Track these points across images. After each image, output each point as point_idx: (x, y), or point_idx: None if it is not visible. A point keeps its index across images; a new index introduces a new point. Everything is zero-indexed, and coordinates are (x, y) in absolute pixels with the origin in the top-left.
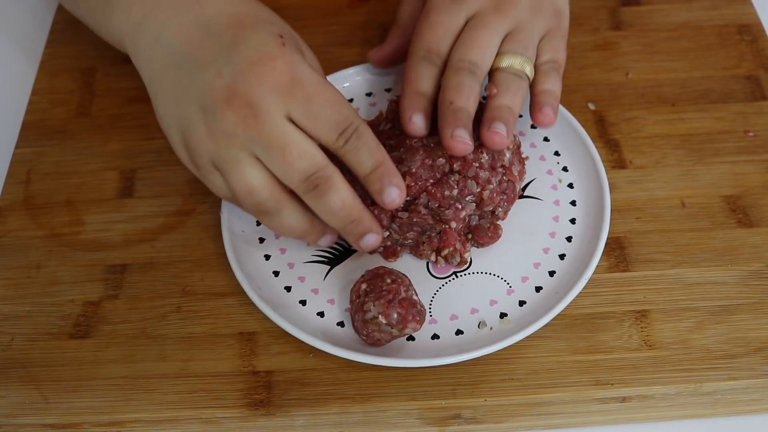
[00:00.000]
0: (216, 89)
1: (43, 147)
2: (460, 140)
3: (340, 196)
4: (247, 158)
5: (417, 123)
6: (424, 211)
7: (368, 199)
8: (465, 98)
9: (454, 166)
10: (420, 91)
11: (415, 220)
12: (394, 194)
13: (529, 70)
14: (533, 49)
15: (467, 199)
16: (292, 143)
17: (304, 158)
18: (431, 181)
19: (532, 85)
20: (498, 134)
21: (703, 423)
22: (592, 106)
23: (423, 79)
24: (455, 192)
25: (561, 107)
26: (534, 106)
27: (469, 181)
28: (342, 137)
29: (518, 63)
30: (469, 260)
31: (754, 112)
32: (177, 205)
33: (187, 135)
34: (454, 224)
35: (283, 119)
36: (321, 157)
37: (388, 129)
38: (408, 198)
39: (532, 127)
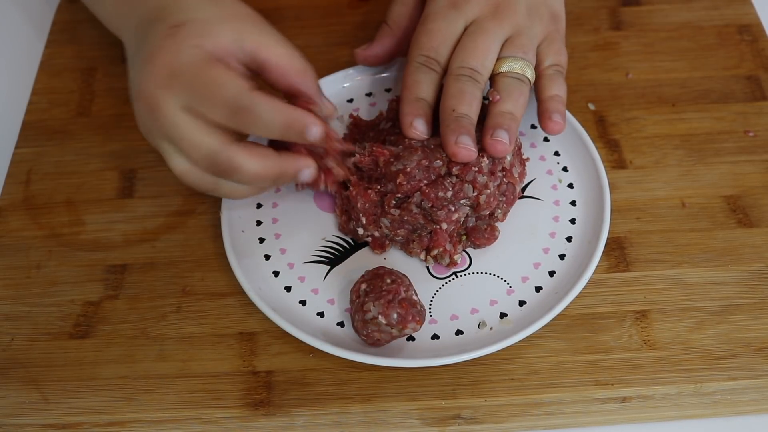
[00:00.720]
0: (132, 86)
1: (43, 147)
2: (464, 147)
3: (248, 172)
4: (168, 147)
5: (418, 128)
6: (416, 210)
7: None
8: (467, 105)
9: (453, 169)
10: (420, 97)
11: (406, 218)
12: (314, 131)
13: (530, 74)
14: (533, 53)
15: (461, 201)
16: (184, 137)
17: (197, 149)
18: (425, 181)
19: (538, 91)
20: (500, 142)
21: (703, 423)
22: (592, 107)
23: (422, 85)
24: (449, 194)
25: None
26: (543, 114)
27: (465, 184)
28: (235, 118)
29: (519, 67)
30: (458, 261)
31: (754, 112)
32: (177, 205)
33: (137, 120)
34: (445, 225)
35: (178, 111)
36: (215, 144)
37: (389, 128)
38: (400, 195)
39: (532, 127)
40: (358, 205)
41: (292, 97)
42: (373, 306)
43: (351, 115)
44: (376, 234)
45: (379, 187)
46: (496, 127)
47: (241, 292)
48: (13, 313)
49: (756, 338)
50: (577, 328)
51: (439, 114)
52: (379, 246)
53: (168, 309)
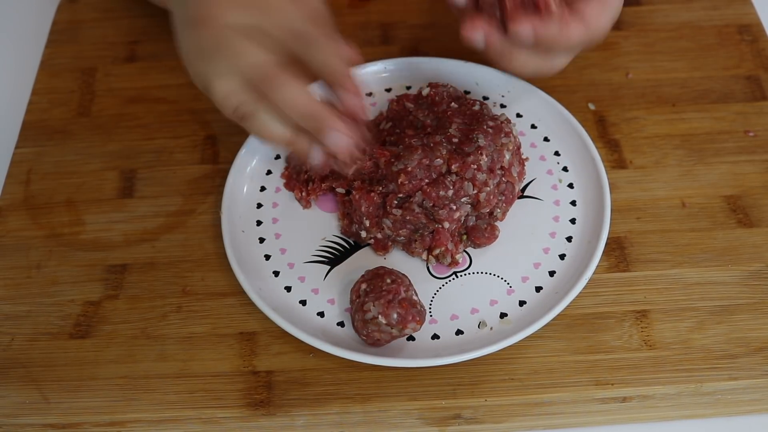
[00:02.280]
0: (184, 17)
1: (43, 147)
2: None
3: (291, 94)
4: (217, 66)
5: None
6: (417, 209)
7: None
8: None
9: (452, 167)
10: None
11: (408, 218)
12: (352, 100)
13: None
14: None
15: (462, 200)
16: (238, 47)
17: (249, 57)
18: (426, 180)
19: None
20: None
21: (703, 423)
22: (592, 106)
23: None
24: (450, 192)
25: (561, 107)
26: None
27: (465, 182)
28: (294, 42)
29: None
30: (460, 261)
31: (755, 112)
32: (177, 205)
33: (186, 60)
34: (447, 224)
35: (238, 27)
36: (268, 58)
37: (389, 128)
38: (402, 195)
39: (532, 127)
40: (362, 209)
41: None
42: (373, 306)
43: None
44: (379, 236)
45: (380, 188)
46: None
47: (241, 292)
48: (13, 313)
49: (756, 338)
50: (577, 328)
51: None
52: (382, 248)
53: (168, 309)
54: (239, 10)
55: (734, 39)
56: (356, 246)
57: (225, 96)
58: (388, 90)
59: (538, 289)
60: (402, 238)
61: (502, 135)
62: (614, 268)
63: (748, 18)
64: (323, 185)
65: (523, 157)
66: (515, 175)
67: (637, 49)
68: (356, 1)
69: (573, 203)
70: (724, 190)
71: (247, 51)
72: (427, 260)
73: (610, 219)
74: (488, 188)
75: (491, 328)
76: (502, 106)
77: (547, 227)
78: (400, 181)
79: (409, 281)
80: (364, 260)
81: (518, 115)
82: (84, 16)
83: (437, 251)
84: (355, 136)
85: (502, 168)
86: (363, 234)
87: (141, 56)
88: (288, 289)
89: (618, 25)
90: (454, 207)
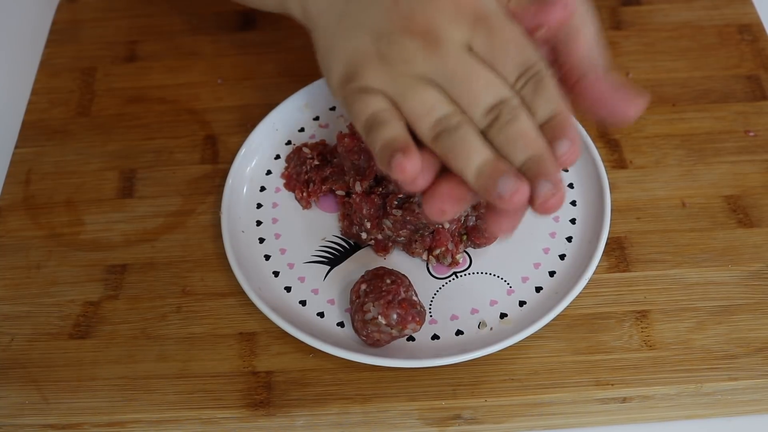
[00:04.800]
0: (393, 18)
1: (43, 147)
2: None
3: (525, 123)
4: (425, 82)
5: None
6: (418, 209)
7: None
8: None
9: None
10: None
11: (408, 218)
12: (564, 146)
13: None
14: None
15: None
16: (477, 73)
17: (490, 88)
18: None
19: None
20: None
21: (703, 423)
22: None
23: None
24: None
25: None
26: None
27: None
28: (522, 78)
29: None
30: (460, 261)
31: (755, 112)
32: (177, 205)
33: (356, 65)
34: (447, 225)
35: (464, 48)
36: (507, 90)
37: None
38: (402, 196)
39: None
40: (363, 211)
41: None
42: (373, 306)
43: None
44: (379, 237)
45: (380, 189)
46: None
47: (241, 292)
48: (13, 313)
49: (756, 338)
50: (577, 328)
51: None
52: (383, 249)
53: (168, 309)
54: (464, 27)
55: (734, 39)
56: (356, 246)
57: (428, 109)
58: None
59: (538, 289)
60: (402, 238)
61: None
62: (614, 269)
63: (748, 18)
64: (323, 186)
65: None
66: None
67: (637, 48)
68: None
69: (573, 203)
70: (724, 190)
71: (486, 79)
72: (428, 260)
73: (610, 219)
74: None
75: (491, 329)
76: None
77: (547, 227)
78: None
79: (409, 281)
80: (364, 260)
81: None
82: (84, 16)
83: (438, 251)
84: (561, 191)
85: None
86: (363, 235)
87: (141, 56)
88: (288, 289)
89: (618, 25)
90: None
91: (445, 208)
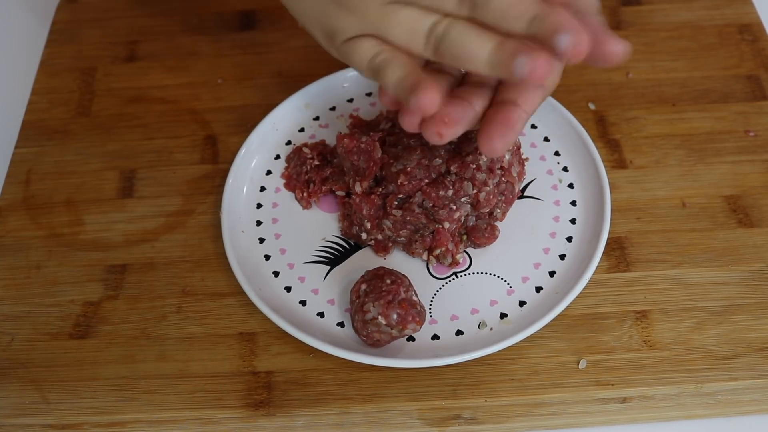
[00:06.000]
0: None
1: (43, 147)
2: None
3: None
4: (393, 6)
5: None
6: (418, 210)
7: None
8: None
9: (452, 167)
10: None
11: (408, 218)
12: (565, 41)
13: None
14: None
15: (462, 200)
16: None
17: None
18: (426, 180)
19: None
20: None
21: (703, 423)
22: (592, 106)
23: None
24: (450, 192)
25: (561, 107)
26: None
27: (465, 182)
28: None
29: None
30: (460, 261)
31: (755, 111)
32: (177, 205)
33: (326, 24)
34: (447, 224)
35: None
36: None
37: (388, 128)
38: (402, 196)
39: (533, 127)
40: (363, 212)
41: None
42: (373, 306)
43: (351, 115)
44: (379, 237)
45: (380, 189)
46: None
47: (241, 293)
48: (13, 313)
49: (757, 338)
50: (577, 328)
51: None
52: (383, 249)
53: (168, 309)
54: None
55: (734, 38)
56: (356, 246)
57: (412, 29)
58: None
59: (539, 289)
60: (402, 238)
61: None
62: (614, 269)
63: (748, 17)
64: (324, 187)
65: (523, 157)
66: (515, 175)
67: (637, 48)
68: None
69: (573, 203)
70: (724, 190)
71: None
72: (428, 260)
73: (611, 219)
74: (488, 188)
75: (491, 329)
76: None
77: (547, 227)
78: (399, 181)
79: (409, 282)
80: (364, 261)
81: None
82: (84, 16)
83: (438, 251)
84: (587, 36)
85: (501, 168)
86: (363, 236)
87: (141, 56)
88: (288, 289)
89: (618, 25)
90: (454, 207)
91: (442, 131)
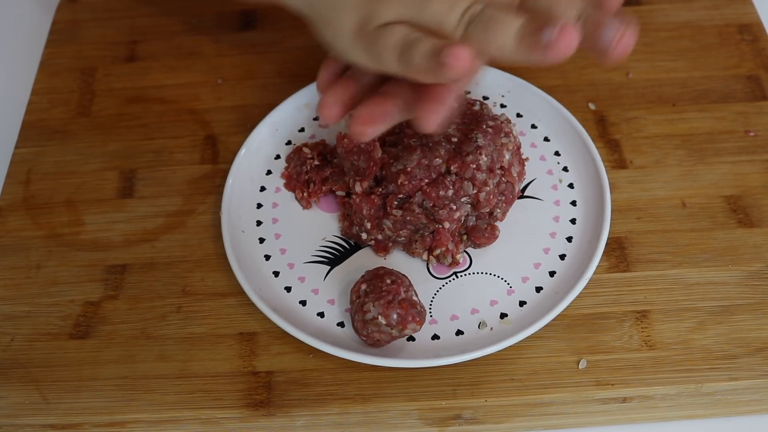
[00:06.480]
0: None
1: (43, 147)
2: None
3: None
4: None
5: None
6: (418, 210)
7: None
8: None
9: (452, 167)
10: None
11: (408, 218)
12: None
13: None
14: None
15: (462, 200)
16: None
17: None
18: (426, 180)
19: None
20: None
21: (703, 423)
22: (592, 106)
23: None
24: (450, 192)
25: (561, 107)
26: None
27: (465, 182)
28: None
29: None
30: (460, 261)
31: (755, 112)
32: (177, 205)
33: (368, 8)
34: (447, 224)
35: None
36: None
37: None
38: (402, 196)
39: (533, 127)
40: (363, 212)
41: None
42: (373, 306)
43: (351, 115)
44: (380, 237)
45: (380, 189)
46: None
47: (241, 292)
48: (13, 313)
49: (757, 338)
50: (577, 328)
51: None
52: (383, 249)
53: (168, 309)
54: None
55: (734, 39)
56: (356, 246)
57: (450, 4)
58: None
59: (539, 289)
60: (402, 238)
61: (502, 135)
62: (614, 269)
63: (748, 18)
64: (324, 187)
65: (523, 157)
66: (515, 175)
67: (637, 48)
68: None
69: (573, 203)
70: (724, 190)
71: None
72: (428, 260)
73: (611, 219)
74: (488, 188)
75: (491, 329)
76: (502, 106)
77: (547, 227)
78: (399, 181)
79: (409, 282)
80: (364, 260)
81: (518, 115)
82: (84, 16)
83: (438, 251)
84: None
85: (501, 168)
86: (363, 236)
87: (141, 56)
88: (288, 289)
89: None
90: (454, 207)
91: (366, 130)
